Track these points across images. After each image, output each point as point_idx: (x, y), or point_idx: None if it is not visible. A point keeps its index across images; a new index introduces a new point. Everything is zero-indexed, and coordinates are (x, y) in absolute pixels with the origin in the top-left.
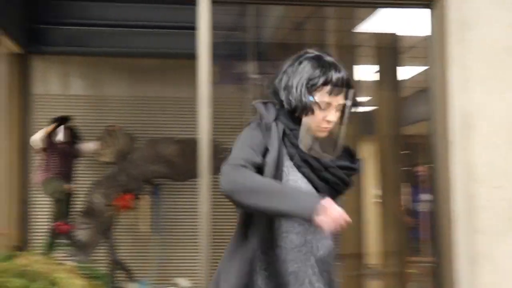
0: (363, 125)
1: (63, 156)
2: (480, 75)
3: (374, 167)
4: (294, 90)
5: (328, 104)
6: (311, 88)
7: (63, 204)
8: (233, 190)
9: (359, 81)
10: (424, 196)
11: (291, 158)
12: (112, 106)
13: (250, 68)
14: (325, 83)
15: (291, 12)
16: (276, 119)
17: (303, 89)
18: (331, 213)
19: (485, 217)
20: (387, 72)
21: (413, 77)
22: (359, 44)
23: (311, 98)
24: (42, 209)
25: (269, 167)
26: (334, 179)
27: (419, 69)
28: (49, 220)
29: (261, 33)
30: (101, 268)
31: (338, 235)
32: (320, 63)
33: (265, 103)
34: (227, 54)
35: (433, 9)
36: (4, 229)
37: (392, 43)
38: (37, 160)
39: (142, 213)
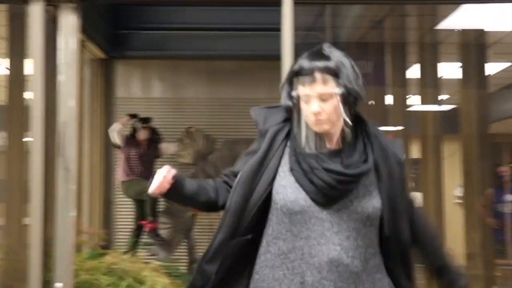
0: (446, 124)
1: (143, 156)
2: None
3: (458, 167)
4: (281, 90)
5: (308, 96)
6: (290, 83)
7: (146, 205)
8: None
9: (440, 79)
10: (509, 197)
11: (290, 162)
12: (191, 108)
13: None
14: (296, 74)
15: (369, 11)
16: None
17: (285, 86)
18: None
19: None
20: (471, 69)
21: (498, 73)
22: (442, 41)
23: (292, 93)
24: (125, 209)
25: (243, 171)
26: (320, 182)
27: (504, 65)
28: (132, 220)
29: (339, 32)
30: (181, 267)
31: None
32: (300, 56)
33: (272, 107)
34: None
35: None
36: (91, 229)
37: (476, 39)
38: (118, 162)
39: (221, 213)
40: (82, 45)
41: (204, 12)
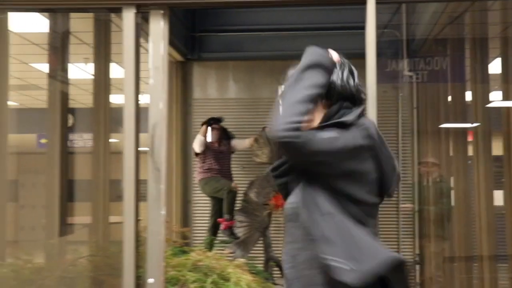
0: None
1: (217, 155)
2: None
3: None
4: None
5: None
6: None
7: (223, 203)
8: None
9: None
10: None
11: None
12: (266, 108)
13: (404, 65)
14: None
15: (447, 7)
16: None
17: (346, 75)
18: None
19: None
20: None
21: None
22: None
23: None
24: (202, 208)
25: None
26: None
27: None
28: (209, 218)
29: (415, 29)
30: (257, 265)
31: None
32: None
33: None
34: (379, 53)
35: None
36: (174, 227)
37: None
38: (196, 162)
39: None
40: None
41: (278, 13)
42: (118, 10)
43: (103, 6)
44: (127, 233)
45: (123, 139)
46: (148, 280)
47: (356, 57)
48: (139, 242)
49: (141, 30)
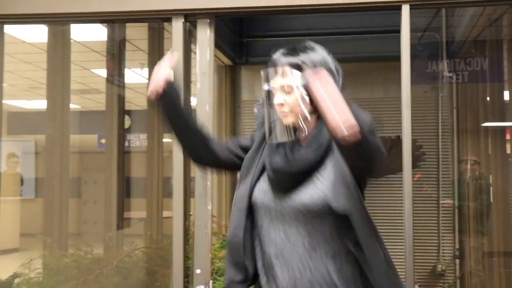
0: None
1: None
2: None
3: None
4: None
5: (273, 88)
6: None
7: None
8: None
9: None
10: None
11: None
12: None
13: (444, 66)
14: (267, 65)
15: (485, 10)
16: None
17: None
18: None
19: None
20: None
21: None
22: None
23: (264, 87)
24: None
25: (244, 164)
26: (271, 174)
27: None
28: None
29: (454, 32)
30: None
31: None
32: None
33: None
34: (419, 55)
35: None
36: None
37: None
38: None
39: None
40: None
41: (321, 18)
42: (168, 20)
43: (155, 16)
44: (176, 227)
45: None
46: (195, 271)
47: (395, 59)
48: (188, 235)
49: (191, 37)
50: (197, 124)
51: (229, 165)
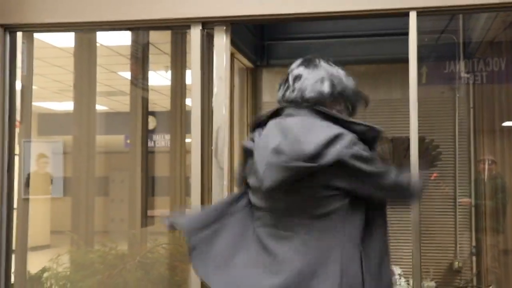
0: None
1: None
2: None
3: None
4: None
5: None
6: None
7: None
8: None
9: None
10: None
11: None
12: None
13: (461, 67)
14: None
15: (499, 13)
16: None
17: None
18: None
19: None
20: None
21: None
22: None
23: None
24: None
25: None
26: None
27: None
28: None
29: (471, 34)
30: None
31: None
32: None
33: None
34: (437, 56)
35: None
36: None
37: None
38: None
39: None
40: (233, 57)
41: (339, 22)
42: (186, 27)
43: (174, 24)
44: None
45: (191, 140)
46: None
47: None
48: None
49: (209, 43)
50: None
51: None
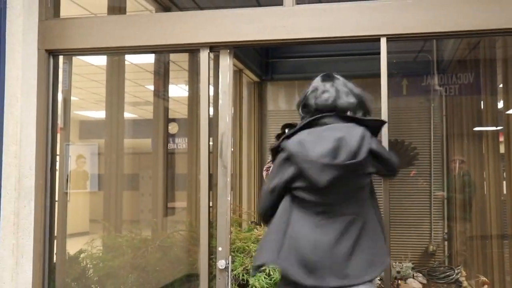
0: None
1: None
2: None
3: None
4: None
5: None
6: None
7: None
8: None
9: None
10: None
11: None
12: None
13: (435, 81)
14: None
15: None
16: None
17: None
18: None
19: None
20: None
21: None
22: None
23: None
24: None
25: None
26: None
27: None
28: None
29: (443, 53)
30: None
31: None
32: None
33: (286, 127)
34: (415, 71)
35: None
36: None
37: None
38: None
39: None
40: (242, 73)
41: (331, 45)
42: (196, 51)
43: (187, 48)
44: (202, 214)
45: (199, 144)
46: (218, 249)
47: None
48: (212, 221)
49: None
50: None
51: None
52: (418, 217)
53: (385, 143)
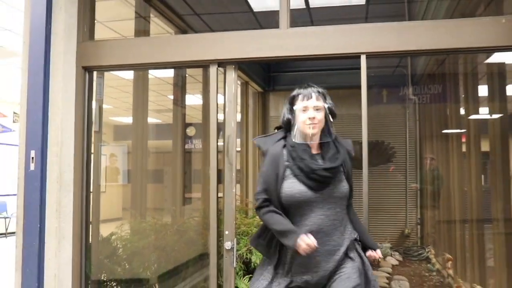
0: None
1: None
2: None
3: None
4: (282, 115)
5: (306, 107)
6: (292, 102)
7: None
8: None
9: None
10: None
11: (290, 168)
12: None
13: (409, 92)
14: (297, 96)
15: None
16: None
17: (285, 110)
18: (304, 245)
19: None
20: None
21: None
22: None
23: (294, 107)
24: None
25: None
26: (320, 178)
27: None
28: None
29: (416, 68)
30: None
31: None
32: (296, 91)
33: (267, 136)
34: (393, 83)
35: None
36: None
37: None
38: None
39: None
40: (248, 84)
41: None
42: (207, 67)
43: (199, 64)
44: (212, 203)
45: (210, 143)
46: (225, 232)
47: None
48: (220, 209)
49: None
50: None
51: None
52: (396, 205)
53: (365, 144)
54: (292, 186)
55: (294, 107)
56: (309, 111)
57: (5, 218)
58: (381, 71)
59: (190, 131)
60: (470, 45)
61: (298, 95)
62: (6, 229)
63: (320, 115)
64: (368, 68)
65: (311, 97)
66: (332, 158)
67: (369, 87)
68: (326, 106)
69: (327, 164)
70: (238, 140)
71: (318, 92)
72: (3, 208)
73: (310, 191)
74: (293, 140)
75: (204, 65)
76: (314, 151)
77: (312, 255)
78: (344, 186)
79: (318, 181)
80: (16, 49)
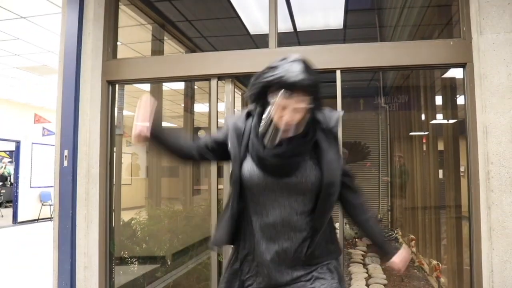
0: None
1: None
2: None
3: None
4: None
5: (284, 107)
6: (269, 84)
7: None
8: None
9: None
10: None
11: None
12: None
13: (382, 101)
14: (278, 81)
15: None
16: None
17: (259, 87)
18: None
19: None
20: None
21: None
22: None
23: (272, 101)
24: None
25: (231, 153)
26: (269, 165)
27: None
28: None
29: (387, 81)
30: None
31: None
32: (279, 66)
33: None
34: (369, 93)
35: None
36: None
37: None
38: None
39: None
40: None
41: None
42: (209, 80)
43: (201, 78)
44: (213, 193)
45: None
46: None
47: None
48: (220, 199)
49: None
50: (179, 142)
51: (206, 158)
52: (371, 195)
53: (341, 144)
54: (249, 166)
55: (269, 98)
56: (286, 111)
57: (50, 205)
58: (358, 83)
59: (201, 133)
60: (425, 62)
61: (278, 82)
62: (51, 215)
63: (299, 116)
64: (349, 81)
65: (293, 96)
66: (291, 149)
67: (348, 97)
68: (309, 106)
69: (276, 150)
70: None
71: (308, 86)
72: (49, 197)
73: (266, 175)
74: (262, 123)
75: (206, 78)
76: (284, 136)
77: (262, 259)
78: (312, 175)
79: (271, 168)
80: (57, 67)
